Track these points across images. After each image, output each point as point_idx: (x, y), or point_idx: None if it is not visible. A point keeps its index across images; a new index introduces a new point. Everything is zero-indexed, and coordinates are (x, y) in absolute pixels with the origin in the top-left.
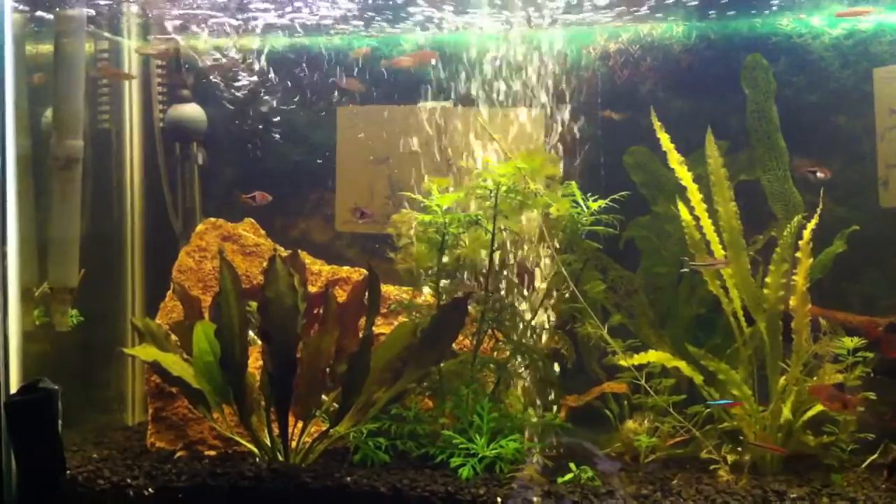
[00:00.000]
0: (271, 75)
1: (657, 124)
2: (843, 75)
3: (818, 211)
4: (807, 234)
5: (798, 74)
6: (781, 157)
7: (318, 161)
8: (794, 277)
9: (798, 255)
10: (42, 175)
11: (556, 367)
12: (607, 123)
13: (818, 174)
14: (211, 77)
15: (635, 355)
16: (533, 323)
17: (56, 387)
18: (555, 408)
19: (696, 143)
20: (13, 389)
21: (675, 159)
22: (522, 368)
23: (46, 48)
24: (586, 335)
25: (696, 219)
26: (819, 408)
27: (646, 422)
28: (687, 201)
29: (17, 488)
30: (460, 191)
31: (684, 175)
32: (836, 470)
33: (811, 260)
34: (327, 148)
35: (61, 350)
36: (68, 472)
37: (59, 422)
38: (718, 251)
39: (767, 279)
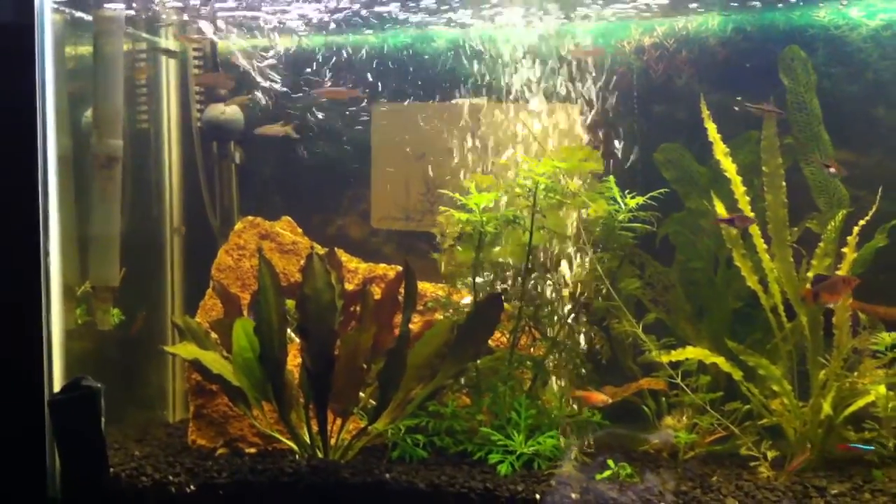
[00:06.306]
0: (307, 73)
1: (706, 113)
2: (882, 66)
3: (874, 209)
4: (856, 229)
5: (836, 66)
6: (825, 149)
7: (354, 158)
8: (836, 272)
9: (844, 249)
10: (83, 174)
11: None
12: (644, 118)
13: (831, 170)
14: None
15: (672, 352)
16: (569, 320)
17: (98, 385)
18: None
19: (733, 137)
20: (56, 387)
21: (720, 150)
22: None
23: (86, 49)
24: (622, 332)
25: (739, 212)
26: (861, 403)
27: (684, 418)
28: (730, 194)
29: (60, 485)
30: (498, 190)
31: (729, 167)
32: (878, 465)
33: (855, 255)
34: (363, 145)
35: (103, 348)
36: (111, 469)
37: (102, 419)
38: (760, 245)
39: (810, 273)
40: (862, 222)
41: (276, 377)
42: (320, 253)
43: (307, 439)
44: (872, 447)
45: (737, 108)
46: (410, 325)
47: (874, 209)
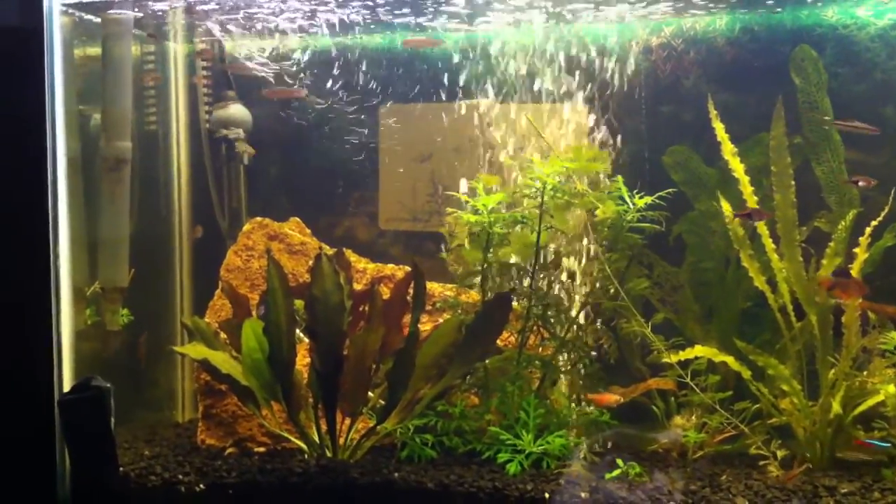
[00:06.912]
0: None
1: (713, 113)
2: (890, 66)
3: (887, 209)
4: (868, 229)
5: (844, 66)
6: (836, 149)
7: (362, 159)
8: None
9: (856, 250)
10: (91, 176)
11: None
12: (651, 119)
13: (861, 183)
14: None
15: (681, 351)
16: (578, 320)
17: (108, 385)
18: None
19: (741, 137)
20: (66, 388)
21: (728, 150)
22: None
23: (94, 51)
24: (630, 332)
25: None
26: (870, 402)
27: (693, 417)
28: (739, 195)
29: (70, 485)
30: (505, 190)
31: (737, 166)
32: (887, 465)
33: (867, 255)
34: (370, 147)
35: (112, 349)
36: (121, 469)
37: (112, 419)
38: (769, 245)
39: (820, 273)
40: (875, 222)
41: (285, 377)
42: (329, 254)
43: (316, 439)
44: (888, 444)
45: (826, 127)
46: (419, 326)
47: (887, 209)
